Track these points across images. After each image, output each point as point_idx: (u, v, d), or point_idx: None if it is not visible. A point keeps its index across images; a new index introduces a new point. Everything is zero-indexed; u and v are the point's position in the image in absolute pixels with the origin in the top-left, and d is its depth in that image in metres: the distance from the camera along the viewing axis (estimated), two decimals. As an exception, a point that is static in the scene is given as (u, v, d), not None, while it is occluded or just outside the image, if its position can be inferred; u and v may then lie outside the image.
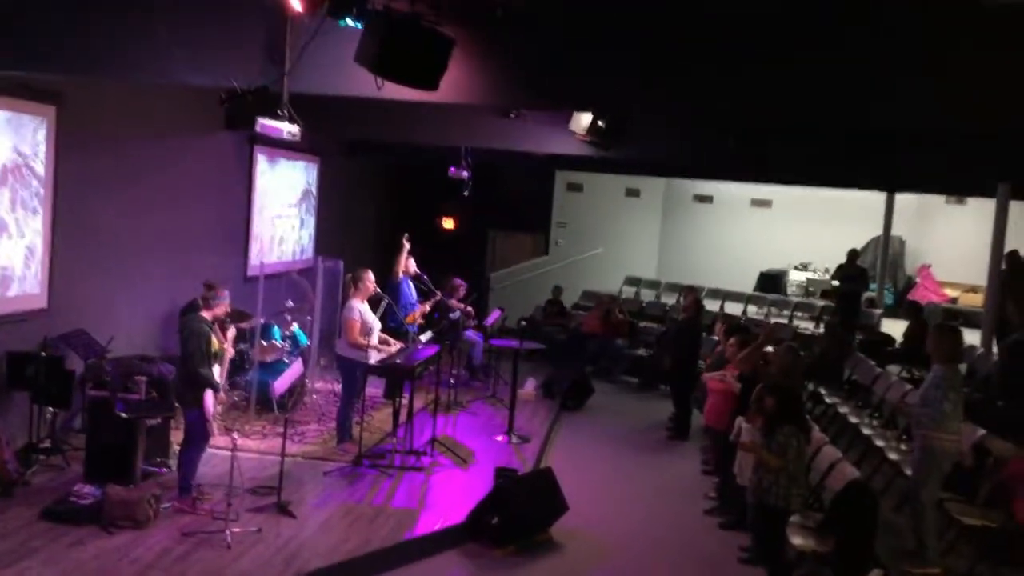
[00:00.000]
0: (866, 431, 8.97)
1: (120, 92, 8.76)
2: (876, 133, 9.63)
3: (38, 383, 7.44)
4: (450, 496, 7.64)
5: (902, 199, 16.83)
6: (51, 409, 7.68)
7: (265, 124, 6.10)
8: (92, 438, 7.16)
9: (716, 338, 9.84)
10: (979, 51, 5.31)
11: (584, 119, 9.23)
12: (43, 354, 7.53)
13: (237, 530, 6.35)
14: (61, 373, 7.58)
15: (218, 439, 7.55)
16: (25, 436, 7.57)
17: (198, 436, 6.83)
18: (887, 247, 17.06)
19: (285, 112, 6.18)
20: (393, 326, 9.87)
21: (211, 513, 6.65)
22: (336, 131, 11.74)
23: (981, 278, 11.93)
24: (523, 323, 14.82)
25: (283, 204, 12.83)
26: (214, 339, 6.95)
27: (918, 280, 17.84)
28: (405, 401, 8.71)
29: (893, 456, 8.01)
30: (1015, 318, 8.34)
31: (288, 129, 6.19)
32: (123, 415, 6.99)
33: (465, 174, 12.55)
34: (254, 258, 11.45)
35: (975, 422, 7.42)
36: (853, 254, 15.21)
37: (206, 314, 6.94)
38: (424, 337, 9.81)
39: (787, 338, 7.35)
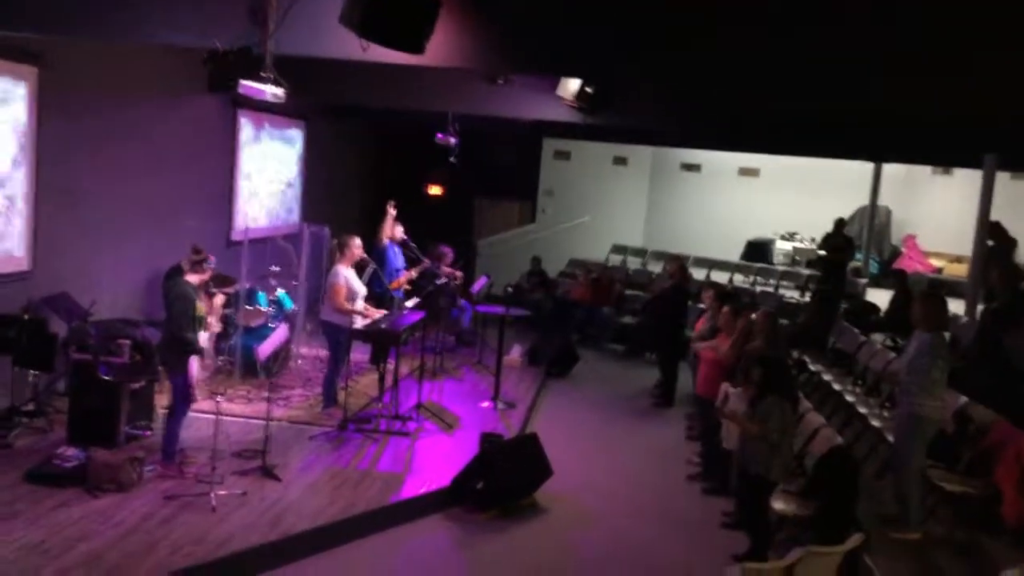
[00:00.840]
0: (849, 398, 9.04)
1: (103, 53, 8.63)
2: (866, 107, 9.61)
3: (20, 346, 7.38)
4: (435, 461, 7.66)
5: (889, 169, 16.83)
6: (34, 372, 7.64)
7: (248, 86, 6.02)
8: (75, 401, 7.13)
9: (702, 306, 9.84)
10: (973, 29, 5.29)
11: (572, 84, 9.17)
12: (26, 317, 7.47)
13: (222, 493, 6.36)
14: (44, 336, 7.52)
15: (202, 403, 7.54)
16: (7, 399, 7.53)
17: (180, 401, 6.81)
18: (873, 217, 17.08)
19: (269, 74, 6.09)
20: (379, 292, 9.84)
21: (195, 476, 6.64)
22: (322, 95, 11.60)
23: (966, 248, 11.96)
24: (509, 290, 14.82)
25: (268, 168, 12.72)
26: (199, 304, 6.90)
27: (903, 250, 17.89)
28: (391, 367, 8.70)
29: (875, 423, 8.07)
30: (998, 288, 8.40)
31: (272, 91, 6.11)
32: (106, 378, 6.95)
33: (452, 140, 12.44)
34: (238, 222, 11.37)
35: (957, 390, 7.47)
36: (840, 223, 15.21)
37: (191, 278, 6.89)
38: (409, 303, 9.79)
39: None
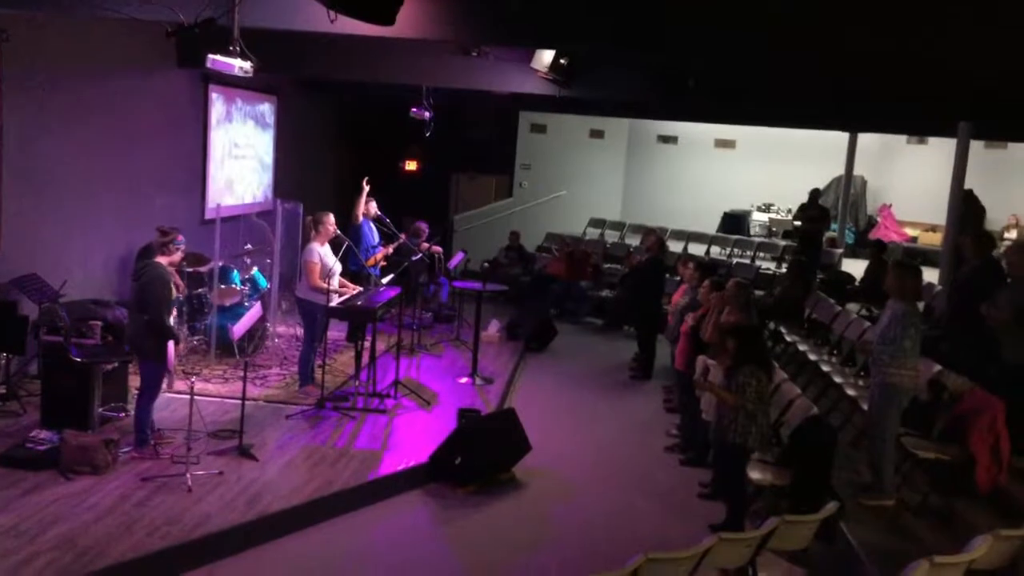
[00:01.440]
0: (825, 368, 9.09)
1: (67, 28, 8.46)
2: (841, 74, 9.61)
3: (-10, 329, 7.28)
4: (413, 437, 7.64)
5: (864, 139, 16.89)
6: (5, 354, 7.53)
7: (216, 60, 5.92)
8: (47, 383, 7.03)
9: (679, 278, 9.86)
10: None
11: (546, 56, 9.10)
12: (-7, 299, 7.36)
13: (198, 473, 6.31)
14: (14, 318, 7.42)
15: (177, 383, 7.46)
16: (-22, 383, 7.45)
17: (153, 387, 6.70)
18: (848, 187, 17.15)
19: (236, 48, 5.99)
20: (354, 269, 9.78)
21: (171, 457, 6.59)
22: (293, 69, 11.46)
23: (941, 217, 12.04)
24: (486, 265, 14.80)
25: (240, 145, 12.57)
26: (172, 287, 6.79)
27: (879, 219, 18.00)
28: (368, 344, 8.66)
29: (851, 392, 8.13)
30: (971, 255, 8.44)
31: (240, 65, 6.01)
32: (78, 360, 6.86)
33: (427, 115, 12.34)
34: (211, 200, 11.24)
35: (932, 358, 7.53)
36: (815, 194, 15.26)
37: (163, 260, 6.74)
38: (385, 280, 9.73)
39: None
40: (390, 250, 10.57)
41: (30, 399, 7.43)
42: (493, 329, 11.78)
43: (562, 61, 9.06)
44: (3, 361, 7.59)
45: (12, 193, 7.92)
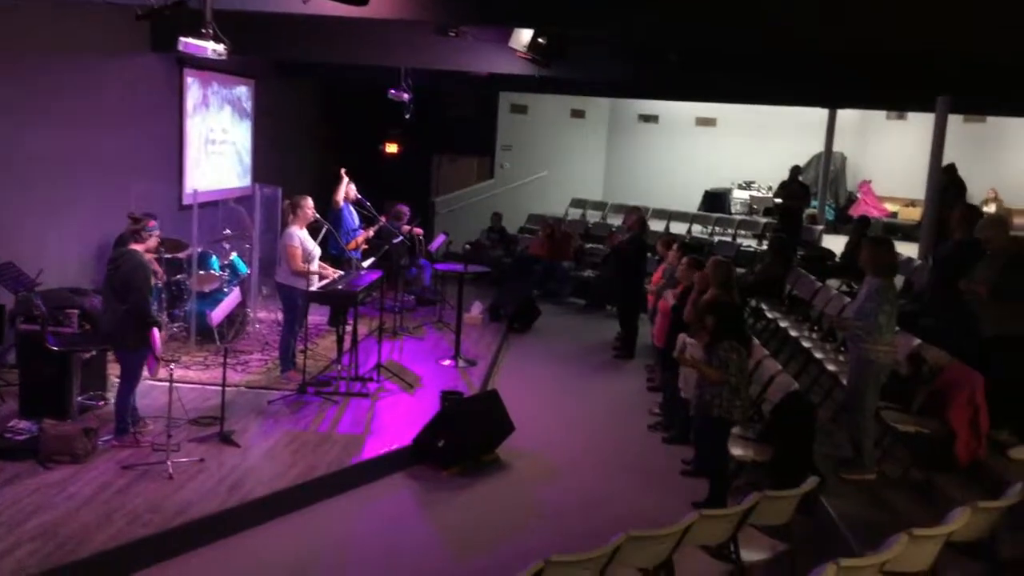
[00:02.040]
0: (805, 344, 9.13)
1: (38, 13, 8.32)
2: (820, 51, 9.61)
3: (-35, 319, 7.20)
4: (396, 421, 7.63)
5: (843, 115, 16.92)
6: (-19, 345, 7.47)
7: (188, 43, 5.84)
8: (25, 373, 6.97)
9: (658, 258, 9.86)
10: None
11: (524, 36, 9.03)
12: (-32, 289, 7.28)
13: (179, 461, 6.28)
14: (-11, 308, 7.35)
15: (159, 372, 7.40)
16: (-46, 373, 7.38)
17: (135, 375, 6.64)
18: (828, 163, 17.19)
19: (209, 31, 5.91)
20: (334, 253, 9.72)
21: (152, 445, 6.54)
22: (269, 52, 11.35)
23: (920, 192, 12.09)
24: (467, 247, 14.77)
25: (217, 129, 12.45)
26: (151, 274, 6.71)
27: (859, 195, 18.07)
28: (349, 328, 8.62)
29: (831, 368, 8.17)
30: (959, 230, 8.46)
31: (213, 48, 5.94)
32: (55, 349, 6.79)
33: (406, 96, 12.28)
34: (188, 186, 11.14)
35: (911, 332, 7.57)
36: (796, 171, 15.29)
37: (139, 247, 6.65)
38: (366, 263, 9.68)
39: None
40: (370, 233, 10.52)
41: (8, 388, 7.35)
42: (476, 311, 11.76)
43: (541, 40, 8.99)
44: (-20, 351, 7.53)
45: (-16, 181, 7.82)
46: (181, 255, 9.46)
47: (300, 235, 8.35)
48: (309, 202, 8.49)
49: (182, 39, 5.92)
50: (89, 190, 9.37)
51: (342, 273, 8.80)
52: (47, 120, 8.62)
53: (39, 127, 8.51)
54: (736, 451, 6.44)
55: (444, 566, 5.58)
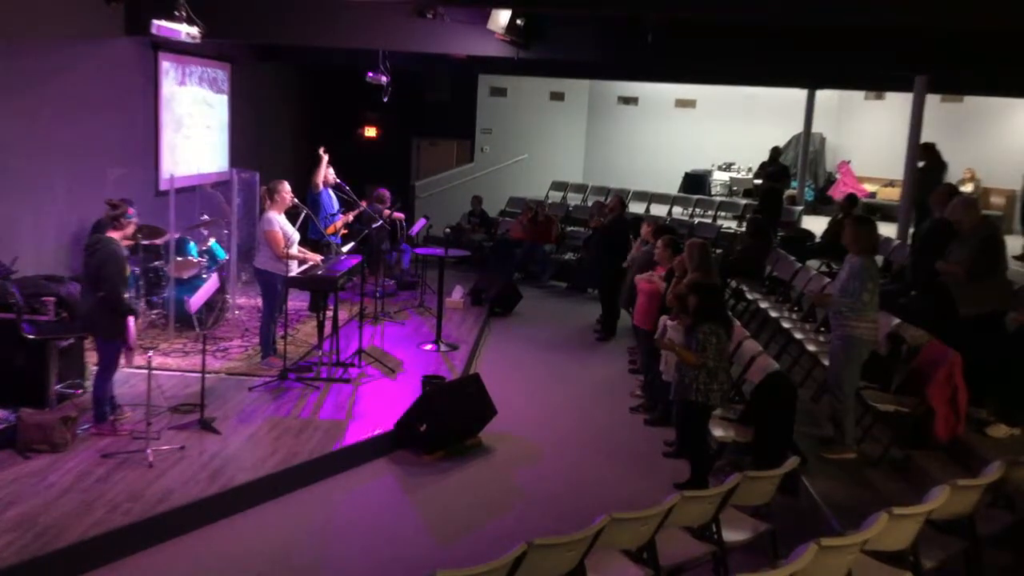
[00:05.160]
0: (786, 324, 9.18)
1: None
2: (797, 30, 9.61)
3: (-61, 307, 7.09)
4: (379, 406, 7.61)
5: (822, 96, 16.95)
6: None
7: (161, 26, 5.77)
8: (1, 362, 6.87)
9: (640, 239, 9.85)
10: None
11: (502, 17, 8.97)
12: (-59, 278, 7.17)
13: (159, 448, 6.24)
14: (-37, 297, 7.22)
15: (136, 358, 7.33)
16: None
17: (112, 363, 6.58)
18: (808, 144, 17.24)
19: (183, 13, 5.83)
20: (314, 238, 9.65)
21: (131, 433, 6.49)
22: (245, 35, 11.21)
23: (899, 172, 12.14)
24: (448, 231, 14.71)
25: (194, 113, 12.31)
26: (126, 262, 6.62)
27: (838, 176, 18.13)
28: (330, 313, 8.57)
29: (811, 348, 8.22)
30: (937, 209, 8.50)
31: (187, 31, 5.87)
32: (31, 337, 6.71)
33: (384, 79, 12.17)
34: (164, 171, 11.01)
35: (890, 312, 7.62)
36: (775, 152, 15.33)
37: (116, 234, 6.57)
38: (346, 248, 9.62)
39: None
40: (350, 217, 10.45)
41: (-16, 378, 7.26)
42: (457, 295, 11.74)
43: (518, 22, 8.94)
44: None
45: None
46: (158, 241, 9.37)
47: (279, 220, 8.28)
48: (287, 186, 8.41)
49: (155, 22, 5.86)
50: (64, 176, 9.25)
51: (322, 258, 8.74)
52: (21, 106, 8.49)
53: (12, 113, 8.39)
54: (717, 432, 6.47)
55: (428, 551, 5.58)
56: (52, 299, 7.07)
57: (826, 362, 7.31)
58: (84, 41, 9.60)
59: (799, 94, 16.75)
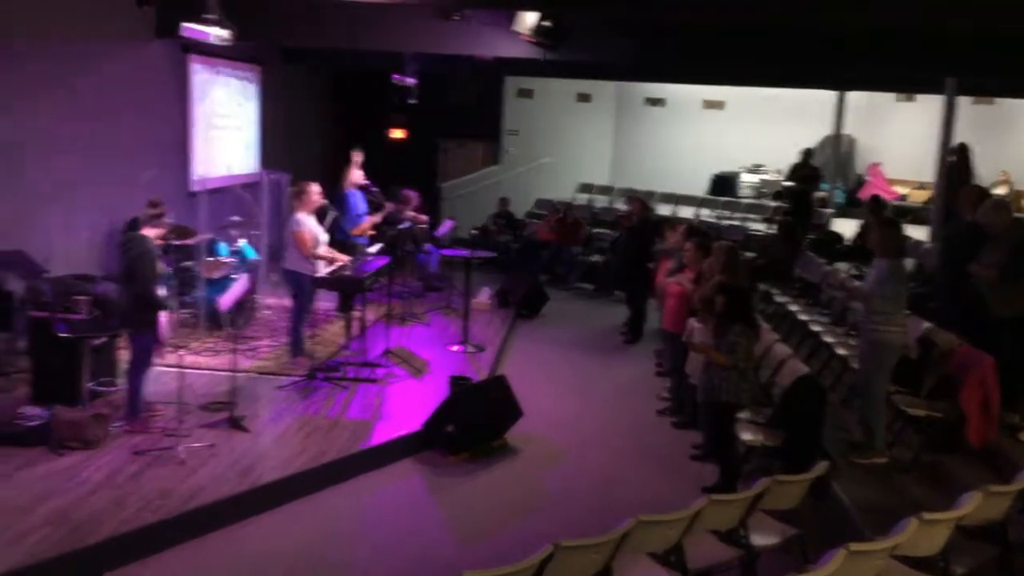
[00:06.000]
0: (815, 328, 9.10)
1: (43, 1, 8.30)
2: (827, 32, 9.53)
3: (-26, 306, 7.23)
4: (405, 406, 7.64)
5: (853, 97, 16.79)
6: (-8, 332, 7.50)
7: (191, 29, 5.84)
8: (36, 360, 6.99)
9: (664, 242, 9.82)
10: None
11: (528, 18, 8.97)
12: (-23, 277, 7.30)
13: (190, 446, 6.30)
14: (0, 295, 7.35)
15: (168, 357, 7.43)
16: (-34, 361, 7.41)
17: (145, 359, 6.68)
18: (838, 146, 17.08)
19: (213, 16, 5.89)
20: (341, 239, 9.71)
21: (163, 431, 6.57)
22: (274, 37, 11.31)
23: (930, 175, 12.02)
24: (474, 232, 14.74)
25: (224, 115, 12.42)
26: (158, 259, 6.73)
27: (868, 178, 17.94)
28: (358, 314, 8.62)
29: (841, 351, 8.15)
30: (966, 211, 8.40)
31: (217, 34, 5.92)
32: (65, 336, 6.81)
33: (410, 81, 12.23)
34: (195, 172, 11.13)
35: (921, 315, 7.54)
36: (807, 154, 15.21)
37: (148, 232, 6.71)
38: (373, 249, 9.67)
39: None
40: (377, 219, 10.51)
41: (20, 376, 7.37)
42: (484, 296, 11.76)
43: (545, 23, 8.93)
44: (-10, 338, 7.55)
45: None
46: (189, 241, 9.46)
47: (307, 221, 8.34)
48: (315, 187, 8.48)
49: (184, 24, 5.92)
50: (97, 178, 9.37)
51: (350, 259, 8.79)
52: (54, 107, 8.62)
53: (45, 116, 8.50)
54: (746, 436, 6.43)
55: (453, 551, 5.59)
56: (85, 298, 7.16)
57: (856, 366, 7.24)
58: (116, 43, 9.72)
59: (829, 95, 16.61)
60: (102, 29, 9.42)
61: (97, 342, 7.17)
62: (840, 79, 14.16)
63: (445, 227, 12.94)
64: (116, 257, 6.91)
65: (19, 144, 8.19)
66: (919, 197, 16.89)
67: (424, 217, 11.89)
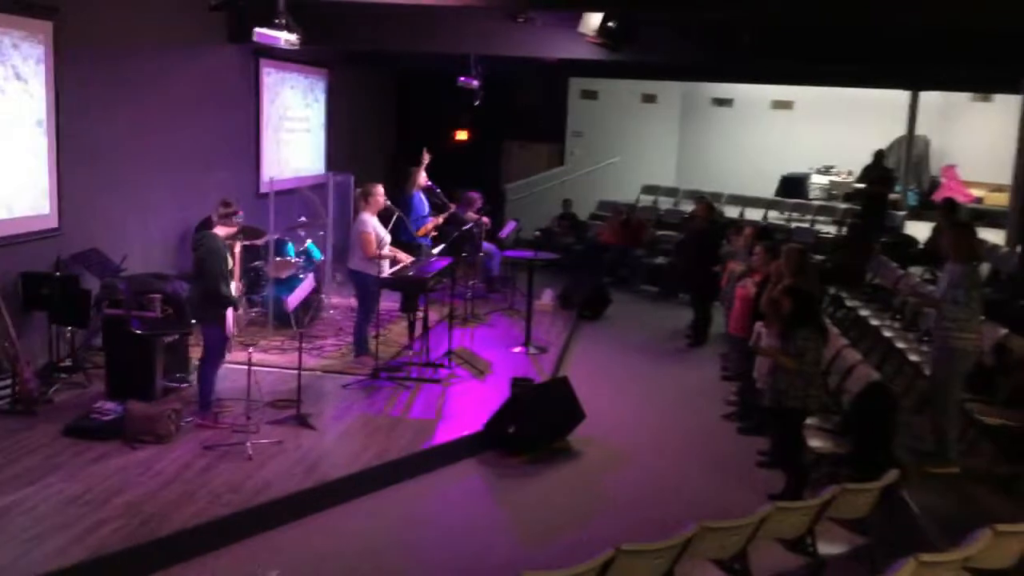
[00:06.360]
0: (887, 333, 8.89)
1: (118, 5, 8.57)
2: (901, 30, 9.31)
3: (54, 303, 7.48)
4: (467, 407, 7.68)
5: (926, 97, 16.36)
6: (69, 328, 7.74)
7: (262, 33, 5.96)
8: (111, 356, 7.22)
9: (728, 244, 9.70)
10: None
11: (593, 20, 8.93)
12: (57, 274, 7.54)
13: (258, 442, 6.42)
14: (77, 292, 7.60)
15: (236, 354, 7.59)
16: (46, 355, 7.66)
17: (215, 353, 6.86)
18: (911, 147, 16.66)
19: (282, 21, 6.00)
20: (405, 240, 9.80)
21: (232, 427, 6.71)
22: (341, 41, 11.48)
23: (1007, 177, 11.63)
24: (537, 234, 14.75)
25: (293, 118, 12.66)
26: (228, 257, 6.90)
27: (943, 180, 17.46)
28: (421, 314, 8.69)
29: (913, 357, 7.94)
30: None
31: (286, 38, 6.04)
32: (139, 333, 7.01)
33: (475, 83, 12.29)
34: (265, 174, 11.36)
35: (997, 321, 7.31)
36: (880, 155, 14.87)
37: (220, 231, 6.89)
38: (436, 250, 9.74)
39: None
40: (440, 220, 10.59)
41: (95, 371, 7.62)
42: (547, 298, 11.75)
43: (610, 24, 8.88)
44: (68, 334, 7.80)
45: (72, 170, 8.08)
46: (258, 242, 9.66)
47: (372, 222, 8.45)
48: (380, 189, 8.59)
49: (256, 29, 6.05)
50: (170, 179, 9.62)
51: (413, 260, 8.88)
52: (128, 111, 8.87)
53: (121, 117, 8.76)
54: (814, 443, 6.31)
55: (513, 552, 5.59)
56: (158, 296, 7.37)
57: (929, 372, 7.05)
58: (190, 48, 9.97)
59: (902, 95, 16.22)
60: (176, 34, 9.67)
61: (169, 339, 7.38)
62: (914, 78, 13.81)
63: (508, 228, 12.98)
64: (189, 255, 7.12)
65: (99, 147, 8.46)
66: (995, 200, 16.36)
67: (485, 219, 11.91)
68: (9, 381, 6.89)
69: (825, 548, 4.67)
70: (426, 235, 10.25)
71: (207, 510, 5.47)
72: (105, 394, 7.04)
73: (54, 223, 7.94)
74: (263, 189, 10.97)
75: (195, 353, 7.66)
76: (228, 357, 7.13)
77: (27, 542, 4.92)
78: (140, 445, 6.33)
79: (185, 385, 7.52)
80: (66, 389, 7.39)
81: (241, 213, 6.97)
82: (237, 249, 7.52)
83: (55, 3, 7.67)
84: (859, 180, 15.94)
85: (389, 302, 10.19)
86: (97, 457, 6.12)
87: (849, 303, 10.50)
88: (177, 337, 7.55)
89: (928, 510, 5.86)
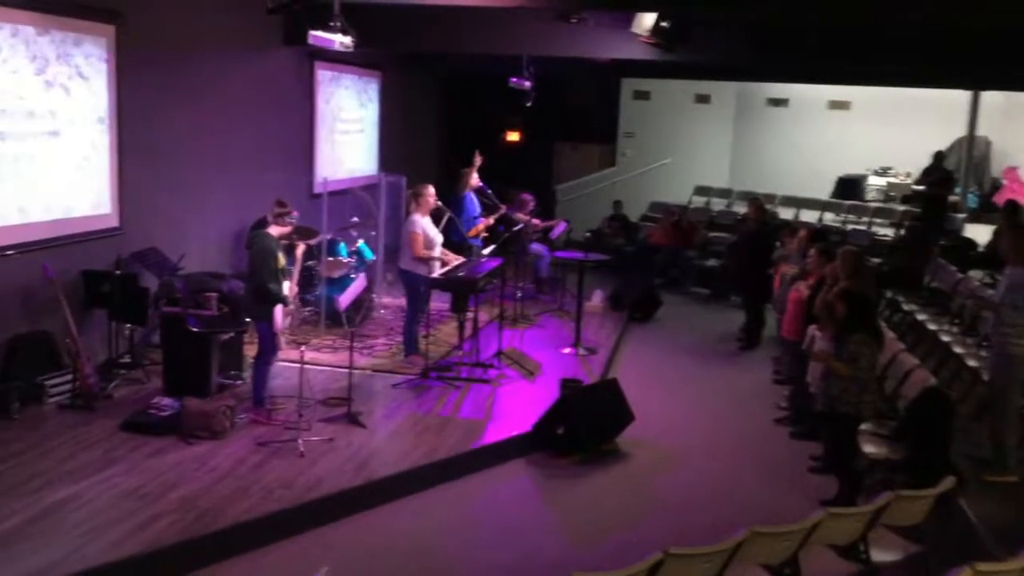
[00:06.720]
0: (945, 338, 8.69)
1: (178, 8, 8.75)
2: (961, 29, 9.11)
3: (114, 300, 7.66)
4: (516, 407, 7.69)
5: (987, 97, 15.96)
6: (128, 325, 7.92)
7: (317, 36, 6.04)
8: (168, 353, 7.37)
9: (781, 247, 9.56)
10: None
11: (647, 20, 8.88)
12: (117, 272, 7.73)
13: (309, 439, 6.51)
14: (136, 290, 7.78)
15: (289, 353, 7.71)
16: (105, 352, 7.86)
17: (267, 349, 6.97)
18: (971, 149, 16.27)
19: (337, 24, 6.08)
20: (456, 240, 9.85)
21: (284, 424, 6.82)
22: (395, 44, 11.60)
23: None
24: (588, 235, 14.71)
25: (346, 120, 12.81)
26: (280, 256, 6.99)
27: (1004, 182, 17.02)
28: (471, 314, 8.73)
29: (972, 363, 7.76)
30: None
31: (341, 40, 6.12)
32: (195, 331, 7.16)
33: (527, 84, 12.31)
34: (318, 175, 11.50)
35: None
36: (939, 156, 14.55)
37: (274, 230, 6.99)
38: (487, 251, 9.77)
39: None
40: (491, 221, 10.62)
41: (153, 368, 7.79)
42: (597, 299, 11.72)
43: (663, 24, 8.82)
44: (127, 332, 7.99)
45: (133, 171, 8.29)
46: (312, 242, 9.78)
47: (422, 223, 8.51)
48: (431, 190, 8.64)
49: (311, 32, 6.13)
50: (227, 179, 9.80)
51: (463, 260, 8.92)
52: (187, 113, 9.06)
53: (180, 119, 8.95)
54: (869, 448, 6.20)
55: (561, 553, 5.59)
56: (214, 295, 7.51)
57: (987, 379, 6.88)
58: (247, 51, 10.15)
59: (962, 96, 15.84)
60: (234, 38, 9.86)
61: (225, 336, 7.52)
62: (974, 78, 13.47)
63: (558, 229, 12.96)
64: (245, 255, 7.26)
65: (159, 148, 8.66)
66: (1061, 202, 15.90)
67: (536, 221, 11.90)
68: (70, 377, 7.08)
69: (879, 555, 4.60)
70: (477, 236, 10.29)
71: (260, 505, 5.56)
72: (162, 390, 7.20)
73: (115, 222, 8.15)
74: (316, 189, 11.12)
75: (250, 351, 7.80)
76: (280, 355, 7.23)
77: (84, 535, 5.04)
78: (196, 441, 6.46)
79: (240, 382, 7.66)
80: (124, 385, 7.56)
81: (296, 213, 7.08)
82: (300, 250, 7.72)
83: (117, 7, 7.86)
84: (918, 182, 15.61)
85: (439, 302, 10.25)
86: (154, 452, 6.26)
87: (906, 307, 10.29)
88: (232, 335, 7.68)
89: (985, 519, 5.72)
